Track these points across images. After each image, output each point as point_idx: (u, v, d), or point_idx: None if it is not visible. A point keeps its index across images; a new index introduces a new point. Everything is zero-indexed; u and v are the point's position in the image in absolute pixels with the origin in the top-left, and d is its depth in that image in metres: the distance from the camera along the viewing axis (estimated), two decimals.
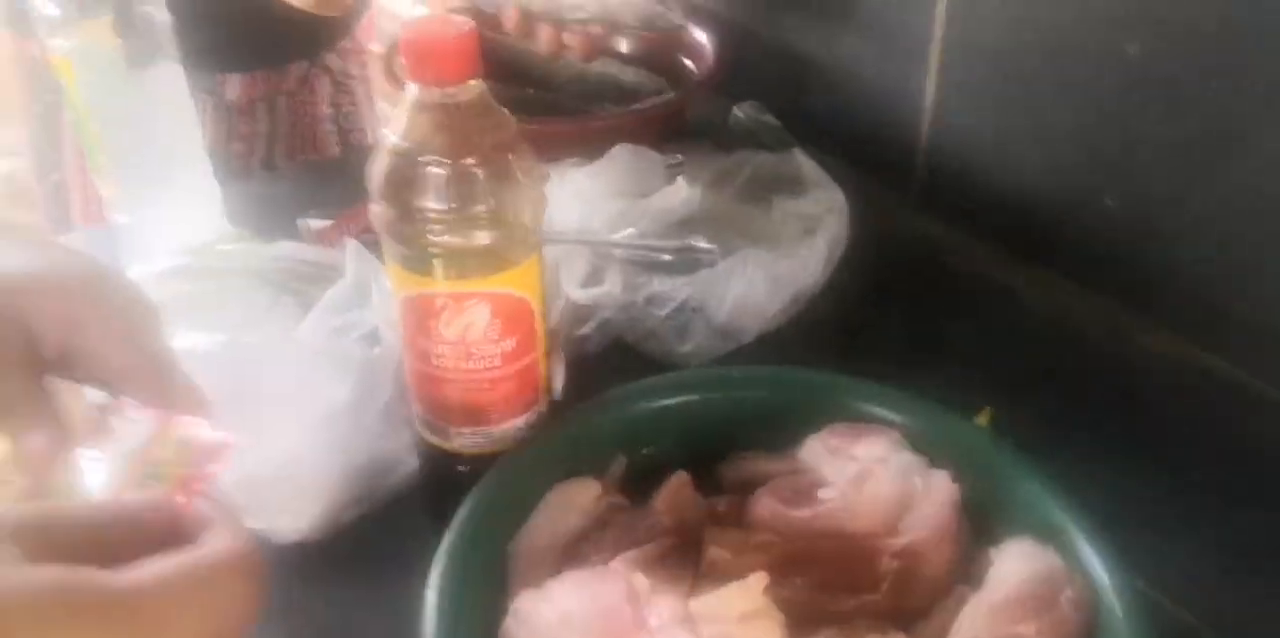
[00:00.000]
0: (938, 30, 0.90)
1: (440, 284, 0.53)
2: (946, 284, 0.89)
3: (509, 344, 0.56)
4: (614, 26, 0.97)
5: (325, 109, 1.20)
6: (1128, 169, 0.81)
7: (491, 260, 0.54)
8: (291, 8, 1.05)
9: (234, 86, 1.10)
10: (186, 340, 0.59)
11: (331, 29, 1.17)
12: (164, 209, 0.80)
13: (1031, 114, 0.86)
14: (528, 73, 1.12)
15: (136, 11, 0.74)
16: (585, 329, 0.78)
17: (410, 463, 0.63)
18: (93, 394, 0.51)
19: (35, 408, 0.47)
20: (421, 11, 2.18)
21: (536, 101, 1.10)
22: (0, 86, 1.14)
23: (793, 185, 0.91)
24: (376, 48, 1.35)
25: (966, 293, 0.88)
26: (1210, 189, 0.76)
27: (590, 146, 0.92)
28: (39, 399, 0.47)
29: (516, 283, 0.55)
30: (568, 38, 0.96)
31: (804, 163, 0.91)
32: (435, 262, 0.53)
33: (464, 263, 0.53)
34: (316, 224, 0.88)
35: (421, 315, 0.54)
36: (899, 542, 0.55)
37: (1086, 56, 0.80)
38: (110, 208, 0.81)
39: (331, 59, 1.18)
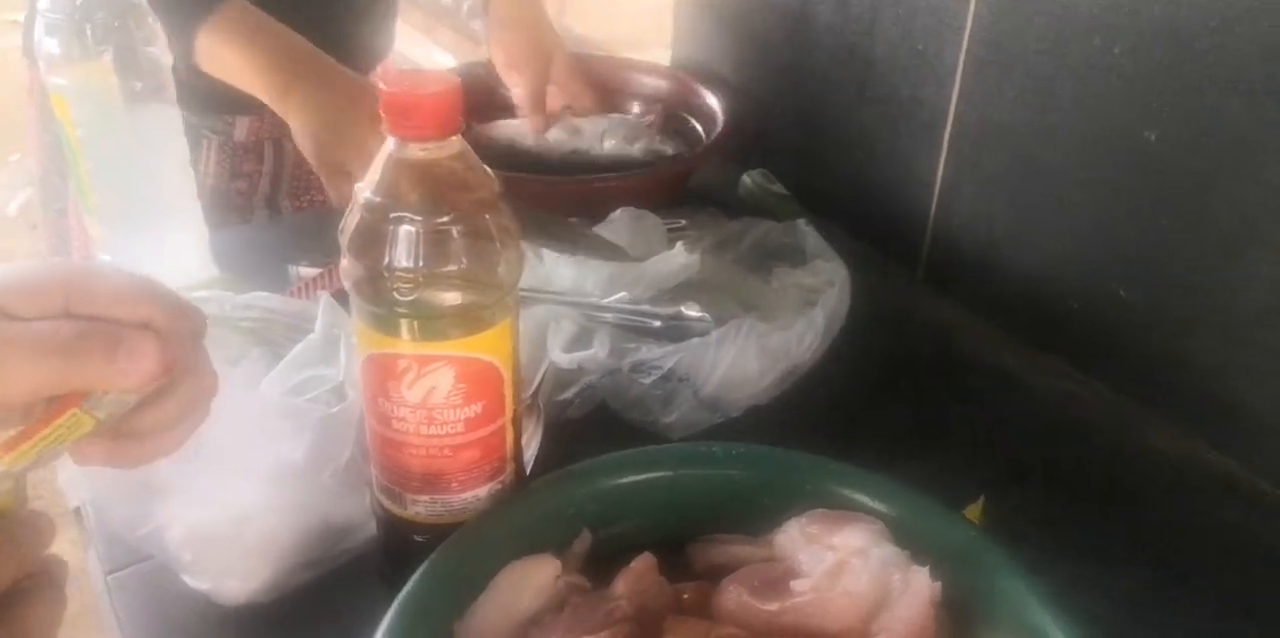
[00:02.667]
0: (952, 109, 0.89)
1: (405, 345, 0.51)
2: (948, 366, 0.87)
3: (474, 410, 0.54)
4: None
5: None
6: (1140, 258, 0.79)
7: (461, 323, 0.52)
8: None
9: (243, 127, 1.10)
10: None
11: None
12: (151, 250, 0.79)
13: (1044, 198, 0.84)
14: (517, 158, 1.10)
15: (140, 52, 0.74)
16: (568, 394, 0.75)
17: (368, 527, 0.61)
18: None
19: None
20: (445, 61, 2.19)
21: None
22: (19, 112, 1.14)
23: (795, 256, 0.89)
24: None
25: (968, 376, 0.86)
26: (1224, 282, 0.74)
27: (593, 208, 0.91)
28: None
29: (486, 347, 0.53)
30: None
31: (808, 233, 0.89)
32: (401, 322, 0.51)
33: (432, 324, 0.51)
34: (306, 271, 0.86)
35: (383, 376, 0.52)
36: None
37: (1103, 142, 0.78)
38: (97, 246, 0.80)
39: None
